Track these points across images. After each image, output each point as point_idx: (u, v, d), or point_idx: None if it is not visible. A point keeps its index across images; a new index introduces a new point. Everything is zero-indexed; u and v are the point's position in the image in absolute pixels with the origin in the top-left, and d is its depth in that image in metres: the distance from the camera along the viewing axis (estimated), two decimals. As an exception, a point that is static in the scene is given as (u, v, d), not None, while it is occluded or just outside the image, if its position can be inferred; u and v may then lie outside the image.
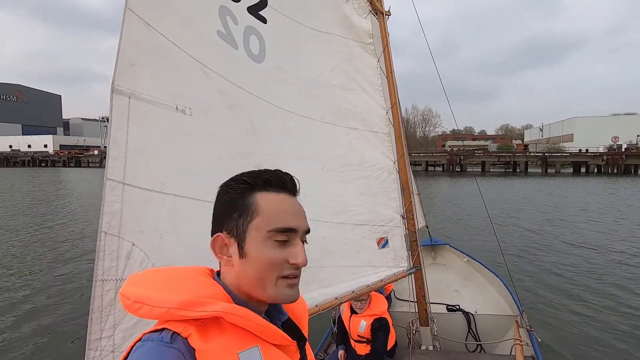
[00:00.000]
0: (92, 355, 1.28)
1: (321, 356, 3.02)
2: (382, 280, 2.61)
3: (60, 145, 78.71)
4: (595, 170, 44.37)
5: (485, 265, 4.32)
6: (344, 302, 2.23)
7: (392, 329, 2.90)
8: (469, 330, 3.40)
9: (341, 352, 2.87)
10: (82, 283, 6.59)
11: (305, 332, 0.86)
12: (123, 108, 1.44)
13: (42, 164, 65.24)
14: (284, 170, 0.79)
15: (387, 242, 2.84)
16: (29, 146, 77.80)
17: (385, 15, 3.04)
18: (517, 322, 3.07)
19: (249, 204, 0.73)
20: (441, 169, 50.23)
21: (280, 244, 0.73)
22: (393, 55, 2.96)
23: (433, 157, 51.17)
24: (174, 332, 0.65)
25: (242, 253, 0.73)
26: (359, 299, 2.78)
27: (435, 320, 3.12)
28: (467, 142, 74.22)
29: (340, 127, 2.74)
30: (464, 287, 4.04)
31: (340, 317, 3.07)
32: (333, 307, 2.16)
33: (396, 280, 2.76)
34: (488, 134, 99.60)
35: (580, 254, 8.55)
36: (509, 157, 50.26)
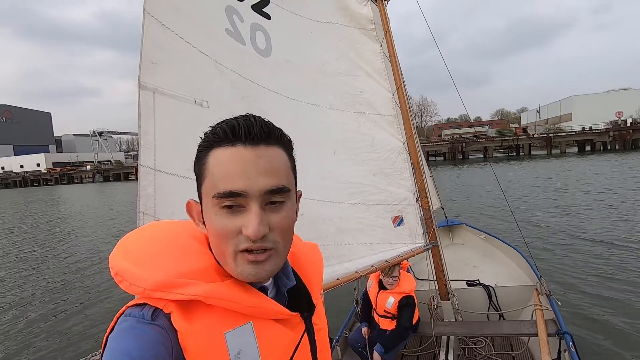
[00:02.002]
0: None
1: (346, 334, 3.14)
2: (399, 255, 2.71)
3: (53, 163, 76.79)
4: (602, 147, 42.89)
5: (502, 240, 4.34)
6: (364, 275, 2.34)
7: (416, 307, 3.00)
8: (490, 303, 3.46)
9: (364, 329, 2.97)
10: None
11: (316, 297, 0.77)
12: (149, 102, 1.59)
13: (35, 184, 64.53)
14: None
15: (402, 220, 2.93)
16: (22, 166, 77.08)
17: (385, 0, 3.12)
18: (536, 289, 3.12)
19: (204, 162, 0.63)
20: (442, 158, 49.27)
21: (229, 210, 0.60)
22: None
23: (434, 147, 50.04)
24: (156, 308, 0.59)
25: (203, 220, 0.65)
26: (390, 275, 2.88)
27: (455, 294, 3.20)
28: (464, 130, 72.45)
29: (349, 112, 2.85)
30: (483, 263, 4.09)
31: (366, 292, 3.18)
32: (354, 283, 2.27)
33: (413, 256, 2.85)
34: (483, 120, 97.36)
35: (607, 233, 8.48)
36: (512, 141, 49.01)
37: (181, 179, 1.64)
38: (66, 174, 64.22)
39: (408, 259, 3.38)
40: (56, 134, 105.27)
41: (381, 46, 2.99)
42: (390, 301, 2.85)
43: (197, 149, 0.66)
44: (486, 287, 3.48)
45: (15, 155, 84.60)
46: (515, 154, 48.25)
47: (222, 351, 0.60)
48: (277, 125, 0.67)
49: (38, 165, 76.64)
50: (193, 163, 0.68)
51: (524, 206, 11.77)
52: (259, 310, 0.63)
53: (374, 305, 3.00)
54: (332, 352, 2.85)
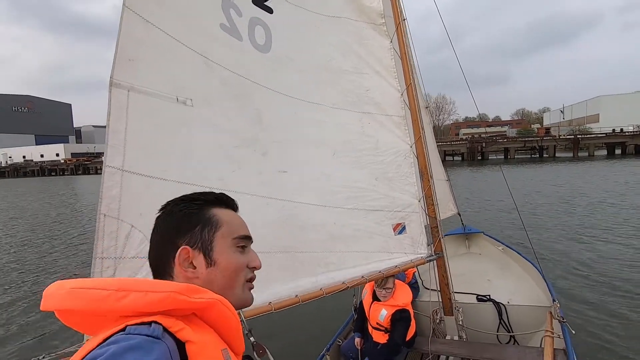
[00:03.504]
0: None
1: (340, 342, 3.04)
2: (396, 266, 2.55)
3: (71, 154, 78.99)
4: (634, 151, 39.31)
5: (521, 254, 4.04)
6: (351, 286, 2.23)
7: (413, 320, 2.84)
8: (500, 322, 3.22)
9: (357, 340, 2.87)
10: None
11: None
12: (122, 101, 1.55)
13: (52, 173, 65.64)
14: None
15: (404, 228, 2.76)
16: (42, 156, 79.52)
17: (398, -8, 2.92)
18: (550, 312, 2.85)
19: (211, 217, 0.78)
20: (460, 158, 47.05)
21: (242, 250, 0.80)
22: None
23: (452, 146, 47.87)
24: (164, 327, 0.60)
25: (210, 262, 0.76)
26: (382, 287, 2.75)
27: (460, 309, 3.00)
28: (482, 130, 68.45)
29: (353, 112, 2.70)
30: (498, 277, 3.82)
31: (361, 303, 3.06)
32: (354, 289, 2.16)
33: (413, 267, 2.69)
34: (503, 119, 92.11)
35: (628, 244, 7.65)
36: (536, 141, 45.93)
37: (153, 180, 1.60)
38: (81, 165, 66.02)
39: (416, 267, 3.22)
40: (76, 125, 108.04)
41: (391, 42, 2.81)
42: (382, 314, 2.72)
43: (185, 206, 0.79)
44: (497, 304, 3.24)
45: (36, 144, 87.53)
46: (538, 155, 45.54)
47: None
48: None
49: (57, 155, 79.35)
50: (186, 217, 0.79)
51: (546, 215, 10.84)
52: (239, 332, 0.71)
53: (367, 317, 2.88)
54: None
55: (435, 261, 2.93)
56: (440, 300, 3.03)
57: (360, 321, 2.98)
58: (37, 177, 63.21)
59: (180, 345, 0.60)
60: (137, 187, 1.53)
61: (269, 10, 2.38)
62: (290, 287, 1.99)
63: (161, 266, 0.77)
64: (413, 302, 3.29)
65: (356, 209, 2.57)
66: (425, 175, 2.90)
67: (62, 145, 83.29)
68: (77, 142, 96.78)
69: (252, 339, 1.63)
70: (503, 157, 46.12)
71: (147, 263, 1.29)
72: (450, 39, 3.29)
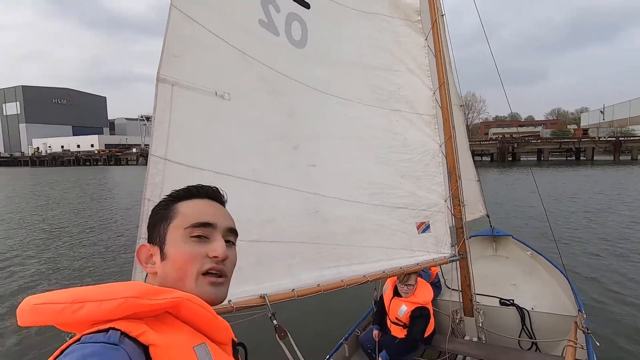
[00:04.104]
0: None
1: (358, 332, 3.13)
2: (418, 264, 2.59)
3: (105, 145, 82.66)
4: None
5: (550, 260, 3.92)
6: (371, 280, 2.30)
7: (432, 318, 2.88)
8: (522, 327, 3.18)
9: (376, 332, 2.94)
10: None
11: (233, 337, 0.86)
12: (167, 95, 1.67)
13: (86, 163, 68.39)
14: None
15: (428, 226, 2.78)
16: (78, 146, 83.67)
17: (437, -12, 2.87)
18: (575, 322, 2.79)
19: (170, 211, 0.77)
20: (489, 158, 44.98)
21: (198, 240, 0.75)
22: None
23: (480, 146, 45.56)
24: (122, 332, 0.59)
25: (162, 255, 0.75)
26: (405, 283, 2.80)
27: (481, 311, 3.00)
28: (513, 129, 64.10)
29: (382, 109, 2.72)
30: (523, 282, 3.75)
31: (381, 297, 3.13)
32: (375, 283, 2.24)
33: (435, 266, 2.71)
34: (536, 119, 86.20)
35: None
36: (572, 143, 42.90)
37: (191, 169, 1.73)
38: (113, 156, 68.67)
39: (438, 266, 3.24)
40: (110, 117, 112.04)
41: (426, 39, 2.77)
42: (402, 309, 2.77)
43: (158, 206, 0.80)
44: (520, 310, 3.19)
45: (73, 135, 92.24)
46: (574, 157, 42.76)
47: None
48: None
49: (92, 145, 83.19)
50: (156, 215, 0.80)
51: (579, 223, 10.18)
52: (218, 324, 0.71)
53: (387, 311, 2.94)
54: (338, 349, 2.87)
55: (458, 262, 2.94)
56: (461, 300, 3.03)
57: (380, 314, 3.05)
58: (73, 166, 66.41)
59: (145, 348, 0.59)
60: (177, 175, 1.66)
61: (306, 6, 2.42)
62: (313, 276, 2.09)
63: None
64: (434, 301, 3.31)
65: (381, 205, 2.61)
66: (453, 175, 2.88)
67: (96, 136, 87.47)
68: (110, 134, 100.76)
69: (275, 322, 1.75)
70: (536, 158, 43.63)
71: None
72: (485, 34, 3.18)
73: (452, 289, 3.39)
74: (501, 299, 3.39)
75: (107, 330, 0.59)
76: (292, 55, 2.31)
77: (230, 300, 1.71)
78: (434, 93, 2.81)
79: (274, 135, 2.18)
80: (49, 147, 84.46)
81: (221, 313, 1.05)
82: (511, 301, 3.32)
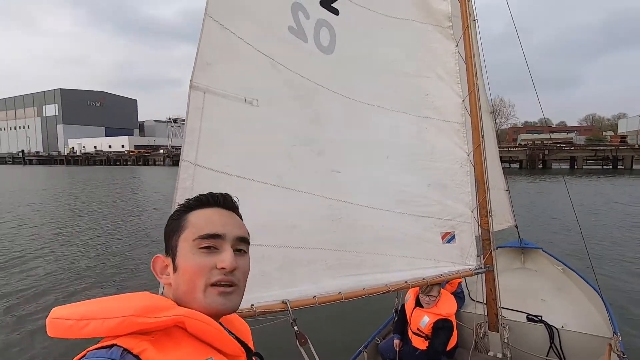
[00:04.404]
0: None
1: (378, 341, 3.09)
2: (442, 275, 2.53)
3: (135, 146, 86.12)
4: None
5: (583, 277, 3.73)
6: (393, 290, 2.26)
7: (455, 331, 2.80)
8: (550, 346, 3.04)
9: (397, 341, 2.89)
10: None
11: (251, 346, 0.87)
12: (198, 102, 1.72)
13: (117, 163, 71.25)
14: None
15: (453, 237, 2.71)
16: (110, 146, 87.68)
17: (469, -6, 2.81)
18: (610, 344, 2.63)
19: (182, 222, 0.78)
20: (518, 165, 43.18)
21: (206, 251, 0.75)
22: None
23: (509, 152, 43.80)
24: (125, 349, 0.61)
25: (174, 267, 0.76)
26: (427, 294, 2.74)
27: (507, 326, 2.88)
28: (544, 135, 60.99)
29: (411, 115, 2.69)
30: (553, 298, 3.58)
31: (403, 306, 3.08)
32: (381, 294, 2.20)
33: (459, 278, 2.64)
34: (569, 125, 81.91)
35: None
36: (609, 150, 40.28)
37: (218, 174, 1.77)
38: (142, 156, 71.13)
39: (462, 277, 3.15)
40: (140, 119, 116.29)
41: (457, 45, 2.72)
42: (424, 320, 2.71)
43: (172, 216, 0.81)
44: (549, 327, 3.05)
45: (105, 136, 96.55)
46: (611, 166, 40.36)
47: None
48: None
49: (122, 146, 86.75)
50: (170, 223, 0.81)
51: (616, 237, 9.60)
52: (225, 340, 0.71)
53: (408, 322, 2.89)
54: (357, 356, 2.84)
55: (483, 274, 2.85)
56: (486, 314, 2.93)
57: (401, 324, 3.00)
58: (104, 166, 69.35)
59: None
60: (205, 180, 1.70)
61: (335, 12, 2.43)
62: (335, 284, 2.08)
63: None
64: (457, 312, 3.22)
65: (405, 214, 2.57)
66: (481, 185, 2.80)
67: (127, 137, 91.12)
68: (140, 135, 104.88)
69: (295, 327, 1.76)
70: (569, 166, 41.76)
71: None
72: (517, 34, 3.08)
73: (477, 301, 3.28)
74: (529, 314, 3.26)
75: (111, 346, 0.61)
76: (320, 61, 2.32)
77: (252, 305, 1.73)
78: (463, 100, 2.75)
79: (299, 141, 2.20)
80: (83, 147, 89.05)
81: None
82: (539, 317, 3.18)
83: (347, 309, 4.41)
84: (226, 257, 0.74)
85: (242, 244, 0.80)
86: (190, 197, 0.83)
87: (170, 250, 0.78)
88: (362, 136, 2.51)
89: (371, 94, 2.56)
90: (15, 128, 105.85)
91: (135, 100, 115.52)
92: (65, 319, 0.63)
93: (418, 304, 2.82)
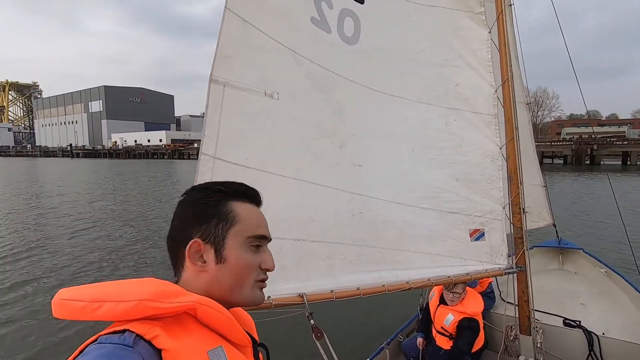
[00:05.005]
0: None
1: (401, 338, 3.03)
2: (468, 273, 2.42)
3: (171, 140, 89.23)
4: None
5: (630, 281, 3.44)
6: (415, 287, 2.19)
7: (482, 331, 2.68)
8: (589, 353, 2.84)
9: (420, 340, 2.82)
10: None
11: (255, 337, 0.86)
12: (218, 95, 1.73)
13: (154, 156, 74.18)
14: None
15: (482, 234, 2.59)
16: (148, 140, 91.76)
17: (504, -24, 2.63)
18: None
19: (228, 211, 0.76)
20: (562, 161, 40.12)
21: (255, 250, 0.78)
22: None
23: (551, 147, 40.82)
24: (137, 334, 0.60)
25: (220, 258, 0.74)
26: (450, 290, 2.65)
27: (540, 330, 2.73)
28: (591, 129, 55.92)
29: (438, 107, 2.58)
30: (594, 303, 3.34)
31: (427, 304, 2.99)
32: (402, 291, 2.14)
33: (488, 277, 2.52)
34: (620, 118, 74.02)
35: None
36: None
37: (237, 167, 1.78)
38: (177, 150, 73.52)
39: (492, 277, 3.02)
40: (176, 114, 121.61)
41: (489, 32, 2.56)
42: (449, 318, 2.61)
43: (206, 196, 0.78)
44: (588, 333, 2.85)
45: (145, 130, 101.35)
46: None
47: None
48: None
49: (160, 140, 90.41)
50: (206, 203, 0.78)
51: None
52: (235, 328, 0.71)
53: (432, 320, 2.80)
54: (379, 353, 2.80)
55: (515, 274, 2.70)
56: (517, 316, 2.79)
57: (425, 322, 2.92)
58: (143, 159, 72.87)
59: (160, 351, 0.60)
60: (224, 173, 1.72)
61: (360, 1, 2.36)
62: (354, 279, 2.05)
63: (175, 252, 0.77)
64: (486, 313, 3.09)
65: (431, 209, 2.48)
66: (514, 180, 2.64)
67: (164, 132, 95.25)
68: (176, 130, 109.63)
69: (312, 322, 1.75)
70: (620, 162, 38.60)
71: None
72: (558, 20, 2.85)
73: (508, 302, 3.13)
74: (565, 319, 3.06)
75: (123, 331, 0.60)
76: (343, 52, 2.27)
77: (269, 297, 1.74)
78: (495, 90, 2.60)
79: (320, 134, 2.17)
80: (125, 141, 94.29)
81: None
82: (578, 322, 2.98)
83: (369, 306, 4.37)
84: (270, 259, 0.79)
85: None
86: (221, 182, 0.81)
87: (213, 239, 0.75)
88: (386, 129, 2.44)
89: (397, 85, 2.47)
90: (65, 123, 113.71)
91: (172, 96, 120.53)
92: (76, 300, 0.62)
93: (442, 301, 2.72)
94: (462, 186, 2.56)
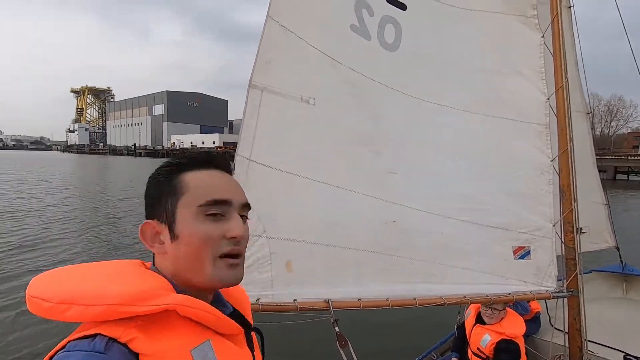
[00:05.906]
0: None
1: (434, 357, 2.89)
2: (510, 294, 2.26)
3: (223, 142, 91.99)
4: None
5: None
6: (449, 304, 2.08)
7: (524, 357, 2.48)
8: None
9: None
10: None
11: (249, 319, 0.81)
12: (256, 100, 1.80)
13: None
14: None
15: (528, 252, 2.41)
16: (203, 143, 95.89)
17: (561, -24, 2.45)
18: None
19: (176, 184, 0.68)
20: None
21: (213, 218, 0.67)
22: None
23: (627, 162, 36.27)
24: (110, 338, 0.55)
25: (173, 235, 0.67)
26: (489, 306, 2.49)
27: None
28: None
29: (483, 115, 2.46)
30: None
31: (463, 323, 2.83)
32: (434, 306, 2.05)
33: (532, 299, 2.33)
34: None
35: None
36: None
37: (270, 170, 1.83)
38: (227, 152, 76.44)
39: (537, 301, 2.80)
40: (230, 118, 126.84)
41: (543, 36, 2.40)
42: (485, 339, 2.45)
43: (158, 174, 0.71)
44: None
45: (201, 133, 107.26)
46: None
47: None
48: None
49: (213, 142, 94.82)
50: (155, 186, 0.71)
51: None
52: (221, 322, 0.66)
53: (468, 340, 2.64)
54: None
55: (567, 299, 2.47)
56: (567, 345, 2.54)
57: (461, 342, 2.76)
58: None
59: (135, 355, 0.56)
60: (257, 175, 1.78)
61: (402, 7, 2.34)
62: (383, 289, 2.00)
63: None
64: (531, 339, 2.86)
65: (471, 222, 2.36)
66: (567, 195, 2.42)
67: (217, 135, 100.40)
68: (229, 133, 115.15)
69: (336, 329, 1.73)
70: None
71: (260, 239, 1.44)
72: (623, 21, 2.58)
73: (556, 329, 2.86)
74: (627, 354, 2.73)
75: (94, 335, 0.55)
76: (382, 58, 2.25)
77: (295, 300, 1.75)
78: (548, 98, 2.42)
79: (355, 140, 2.16)
80: (182, 142, 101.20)
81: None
82: None
83: (400, 318, 4.22)
84: (236, 225, 0.67)
85: (245, 209, 0.72)
86: (177, 157, 0.73)
87: (165, 215, 0.68)
88: (426, 137, 2.37)
89: (438, 92, 2.40)
90: (131, 125, 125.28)
91: (227, 100, 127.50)
92: (42, 299, 0.57)
93: (479, 320, 2.56)
94: (507, 199, 2.41)
